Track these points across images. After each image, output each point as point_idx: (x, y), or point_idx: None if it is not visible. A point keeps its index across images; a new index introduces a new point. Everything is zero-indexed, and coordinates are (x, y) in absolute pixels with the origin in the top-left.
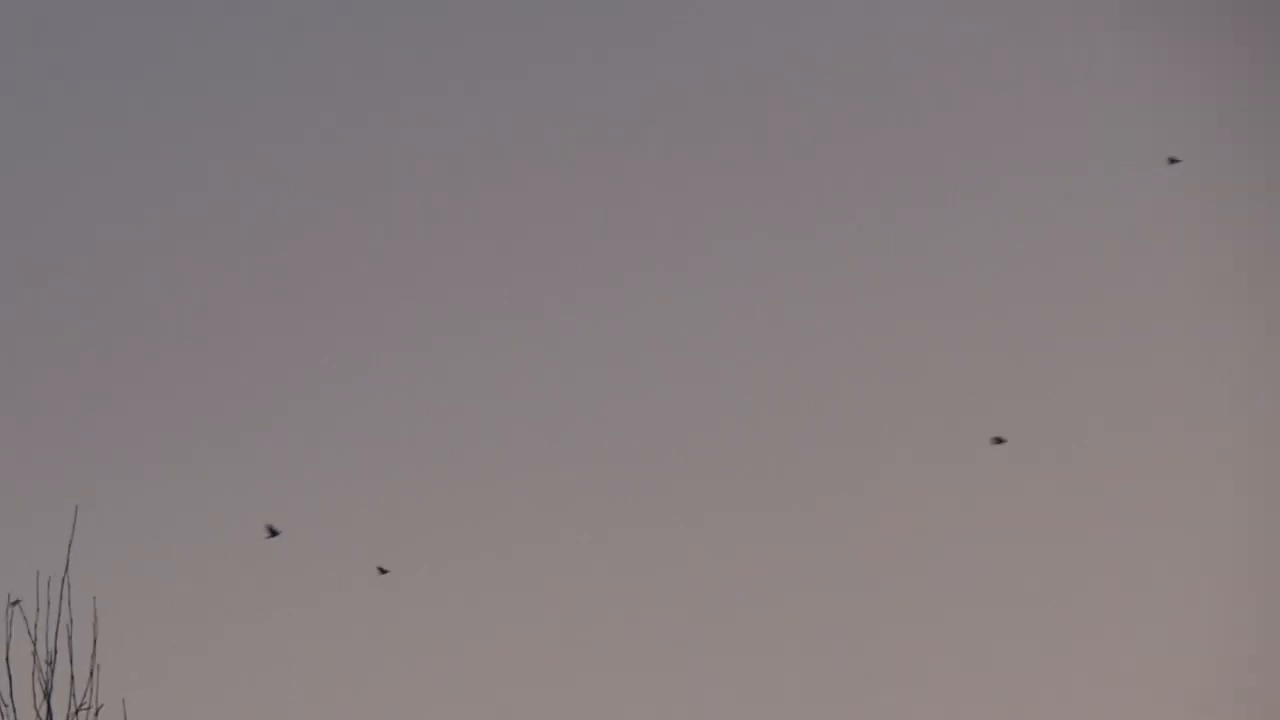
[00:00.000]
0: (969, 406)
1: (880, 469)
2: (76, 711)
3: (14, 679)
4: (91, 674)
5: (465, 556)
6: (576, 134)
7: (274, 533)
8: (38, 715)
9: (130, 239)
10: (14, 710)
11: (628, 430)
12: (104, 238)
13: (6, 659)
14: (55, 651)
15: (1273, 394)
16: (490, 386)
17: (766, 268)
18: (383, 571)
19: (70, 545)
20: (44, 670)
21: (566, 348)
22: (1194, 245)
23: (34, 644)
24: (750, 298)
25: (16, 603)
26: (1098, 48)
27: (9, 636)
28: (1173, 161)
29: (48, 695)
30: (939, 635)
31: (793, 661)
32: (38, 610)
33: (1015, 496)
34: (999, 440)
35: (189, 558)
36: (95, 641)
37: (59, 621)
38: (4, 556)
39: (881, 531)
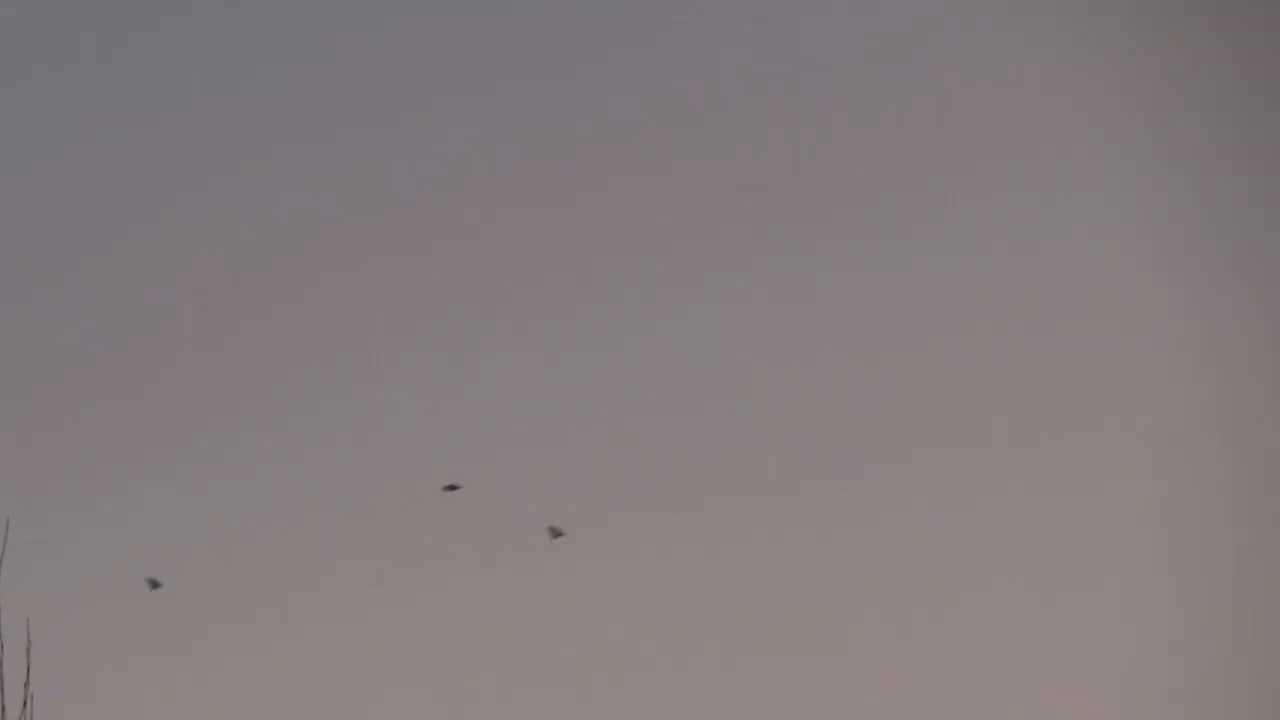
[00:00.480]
0: (973, 411)
1: (895, 480)
2: None
3: None
4: (25, 704)
5: (460, 572)
6: (594, 141)
7: (453, 488)
8: None
9: (113, 239)
10: None
11: (638, 438)
12: (84, 237)
13: None
14: None
15: (1271, 397)
16: (495, 393)
17: (776, 277)
18: (556, 534)
19: (0, 562)
20: None
21: (580, 356)
22: (1190, 251)
23: None
24: (760, 305)
25: (157, 585)
26: (1097, 52)
27: None
28: None
29: None
30: (946, 642)
31: (804, 671)
32: None
33: (1027, 502)
34: None
35: (136, 579)
36: (29, 669)
37: None
38: None
39: (901, 546)
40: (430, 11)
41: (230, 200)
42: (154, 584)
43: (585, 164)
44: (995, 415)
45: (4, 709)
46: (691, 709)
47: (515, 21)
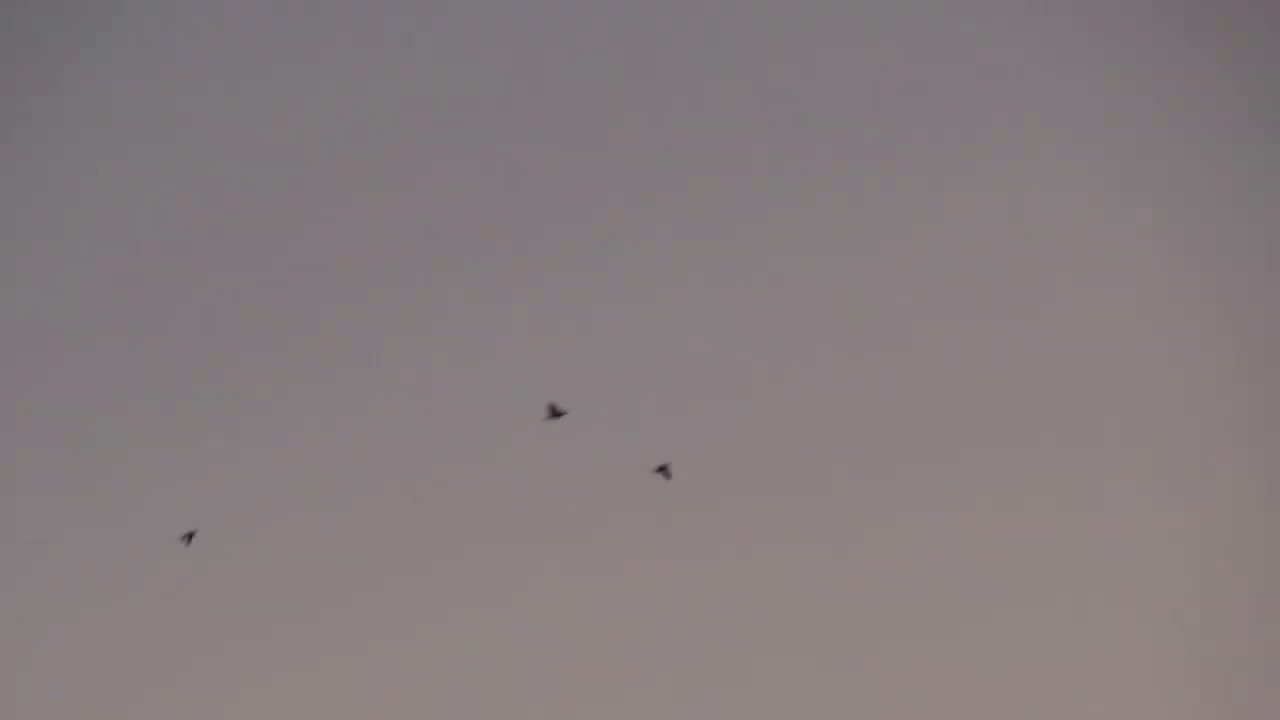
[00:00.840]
0: (978, 412)
1: (899, 485)
2: None
3: None
4: None
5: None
6: (602, 143)
7: (557, 413)
8: None
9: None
10: None
11: (638, 439)
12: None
13: None
14: None
15: (1272, 397)
16: (499, 393)
17: (780, 278)
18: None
19: None
20: None
21: (579, 360)
22: (1193, 252)
23: None
24: (762, 307)
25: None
26: (1105, 50)
27: None
28: None
29: None
30: (947, 643)
31: (813, 677)
32: None
33: (1034, 502)
34: None
35: (135, 579)
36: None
37: None
38: None
39: (906, 547)
40: (428, 8)
41: (221, 197)
42: (189, 537)
43: (598, 161)
44: (999, 417)
45: None
46: (694, 707)
47: (513, 21)
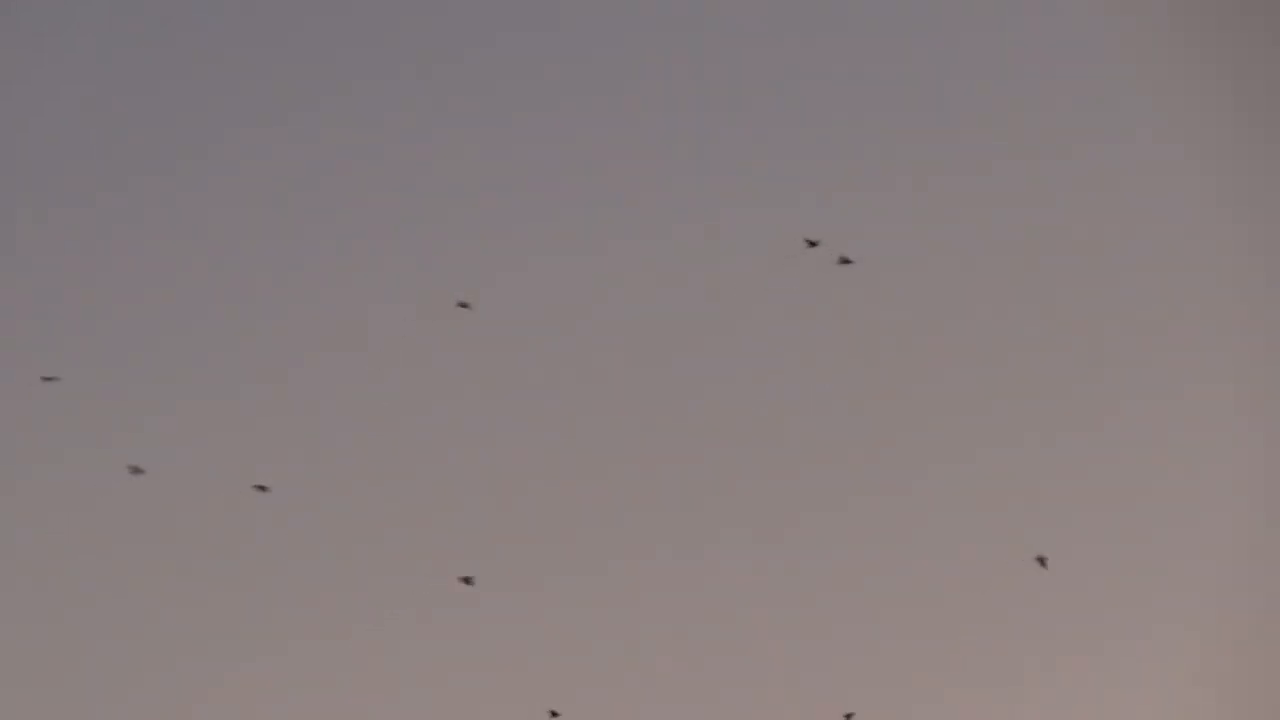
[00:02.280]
0: (978, 405)
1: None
2: None
3: None
4: None
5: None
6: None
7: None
8: None
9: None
10: None
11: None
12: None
13: None
14: None
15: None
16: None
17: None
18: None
19: None
20: None
21: (575, 357)
22: (1197, 242)
23: None
24: (762, 300)
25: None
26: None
27: None
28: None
29: None
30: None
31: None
32: None
33: (1036, 500)
34: None
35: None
36: None
37: None
38: None
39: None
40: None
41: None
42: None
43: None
44: (1006, 410)
45: None
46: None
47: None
